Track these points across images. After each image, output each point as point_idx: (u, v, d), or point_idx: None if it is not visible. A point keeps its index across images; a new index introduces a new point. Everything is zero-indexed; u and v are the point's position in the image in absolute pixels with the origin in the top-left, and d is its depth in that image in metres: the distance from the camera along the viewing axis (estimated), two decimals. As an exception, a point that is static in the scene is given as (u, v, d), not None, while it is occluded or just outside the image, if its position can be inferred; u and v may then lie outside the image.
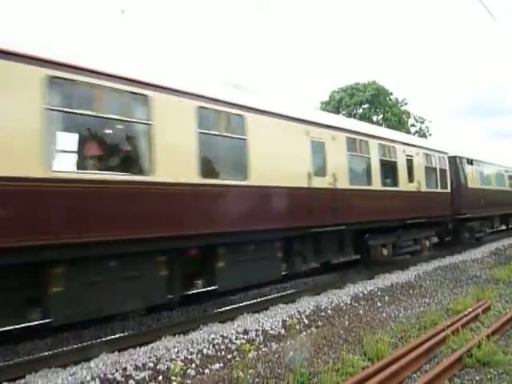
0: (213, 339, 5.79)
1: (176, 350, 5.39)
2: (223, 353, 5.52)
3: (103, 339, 5.76)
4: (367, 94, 34.13)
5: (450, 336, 5.81)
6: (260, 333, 6.19)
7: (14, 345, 5.71)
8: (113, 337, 5.94)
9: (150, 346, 5.55)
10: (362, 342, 5.87)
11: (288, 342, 5.92)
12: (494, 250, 16.14)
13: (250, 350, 5.56)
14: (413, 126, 39.30)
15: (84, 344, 5.61)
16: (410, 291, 9.25)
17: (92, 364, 4.92)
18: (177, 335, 6.08)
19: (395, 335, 6.22)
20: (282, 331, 6.35)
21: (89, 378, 4.55)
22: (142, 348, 5.46)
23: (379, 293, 8.84)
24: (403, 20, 76.32)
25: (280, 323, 6.59)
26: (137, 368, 4.88)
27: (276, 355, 5.45)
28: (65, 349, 5.51)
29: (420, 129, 39.52)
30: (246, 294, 8.87)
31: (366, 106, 35.42)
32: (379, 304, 8.14)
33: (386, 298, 8.59)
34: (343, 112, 34.12)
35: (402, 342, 5.97)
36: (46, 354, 5.30)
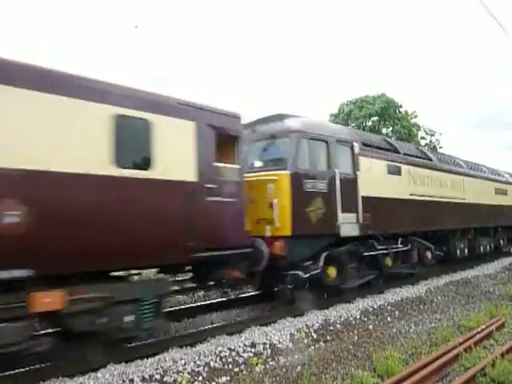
0: (220, 352, 5.73)
1: (183, 362, 5.34)
2: (230, 366, 5.47)
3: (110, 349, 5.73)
4: (376, 107, 34.16)
5: (462, 353, 5.69)
6: (267, 346, 6.11)
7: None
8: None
9: (157, 357, 5.51)
10: (371, 358, 5.77)
11: (296, 356, 5.85)
12: (508, 265, 15.86)
13: (257, 364, 5.53)
14: (423, 138, 39.16)
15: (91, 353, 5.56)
16: (421, 306, 9.10)
17: (99, 374, 4.90)
18: (184, 347, 6.04)
19: (406, 351, 6.10)
20: (290, 345, 6.27)
21: (95, 388, 4.53)
22: (149, 359, 5.42)
23: (389, 307, 8.71)
24: (414, 32, 76.65)
25: (288, 337, 6.51)
26: (144, 379, 4.85)
27: (284, 369, 5.38)
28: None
29: (430, 141, 39.35)
30: (255, 307, 8.81)
31: (376, 118, 35.44)
32: (389, 319, 8.01)
33: (396, 312, 8.45)
34: (352, 124, 34.16)
35: (412, 359, 5.85)
36: (54, 363, 5.28)
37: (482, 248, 15.22)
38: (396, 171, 10.72)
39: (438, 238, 12.67)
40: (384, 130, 35.54)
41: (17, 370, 5.01)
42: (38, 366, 5.17)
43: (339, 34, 72.95)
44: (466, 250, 14.09)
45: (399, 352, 5.96)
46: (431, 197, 12.06)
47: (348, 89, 61.31)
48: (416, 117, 38.18)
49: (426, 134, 39.49)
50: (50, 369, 5.10)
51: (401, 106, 36.51)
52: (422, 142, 38.02)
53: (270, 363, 5.63)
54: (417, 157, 12.31)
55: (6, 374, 4.94)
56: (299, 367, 5.40)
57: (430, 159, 13.03)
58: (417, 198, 11.35)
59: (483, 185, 15.75)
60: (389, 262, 10.20)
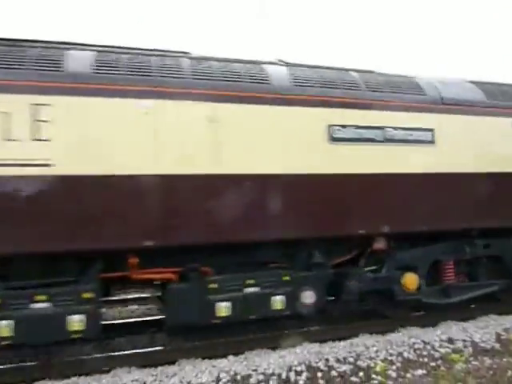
0: (413, 343, 5.56)
1: (375, 349, 5.40)
2: (425, 359, 5.26)
3: (303, 329, 6.26)
4: None
5: None
6: (468, 344, 5.61)
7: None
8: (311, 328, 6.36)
9: (349, 341, 5.72)
10: None
11: (505, 359, 5.20)
12: None
13: (457, 361, 5.16)
14: None
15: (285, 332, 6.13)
16: None
17: (297, 350, 5.40)
18: (374, 334, 6.08)
19: None
20: (497, 346, 5.60)
21: (296, 363, 5.01)
22: (342, 342, 5.68)
23: None
24: None
25: (493, 336, 5.82)
26: (338, 361, 5.11)
27: (490, 372, 4.86)
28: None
29: None
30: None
31: None
32: None
33: None
34: None
35: None
36: (260, 335, 6.06)
37: None
38: None
39: None
40: None
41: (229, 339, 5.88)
42: (246, 337, 5.99)
43: None
44: None
45: None
46: None
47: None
48: None
49: None
50: (256, 340, 5.87)
51: None
52: None
53: (473, 363, 5.16)
54: None
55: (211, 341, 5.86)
56: (510, 372, 4.79)
57: None
58: None
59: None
60: None
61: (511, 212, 6.62)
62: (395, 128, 5.96)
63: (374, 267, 6.33)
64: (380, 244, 6.20)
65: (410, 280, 6.26)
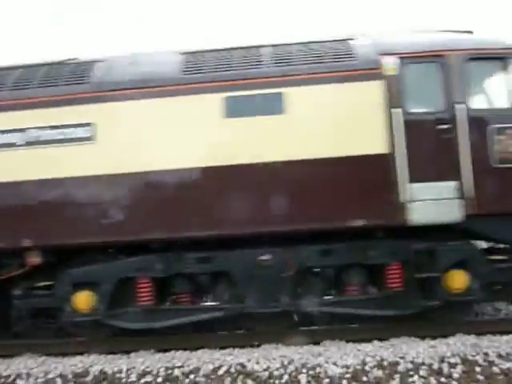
0: None
1: (549, 347, 4.69)
2: None
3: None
4: None
5: None
6: None
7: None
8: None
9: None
10: None
11: None
12: None
13: None
14: None
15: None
16: None
17: (450, 341, 5.03)
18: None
19: None
20: None
21: (449, 354, 4.65)
22: (504, 337, 5.08)
23: None
24: None
25: None
26: (500, 356, 4.57)
27: None
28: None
29: None
30: None
31: None
32: None
33: None
34: None
35: None
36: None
37: None
38: None
39: None
40: None
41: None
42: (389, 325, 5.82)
43: None
44: None
45: None
46: None
47: None
48: None
49: None
50: (399, 329, 5.62)
51: None
52: None
53: None
54: None
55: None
56: None
57: None
58: None
59: None
60: None
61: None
62: (41, 128, 5.38)
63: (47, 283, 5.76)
64: (34, 258, 5.54)
65: (81, 299, 5.48)
